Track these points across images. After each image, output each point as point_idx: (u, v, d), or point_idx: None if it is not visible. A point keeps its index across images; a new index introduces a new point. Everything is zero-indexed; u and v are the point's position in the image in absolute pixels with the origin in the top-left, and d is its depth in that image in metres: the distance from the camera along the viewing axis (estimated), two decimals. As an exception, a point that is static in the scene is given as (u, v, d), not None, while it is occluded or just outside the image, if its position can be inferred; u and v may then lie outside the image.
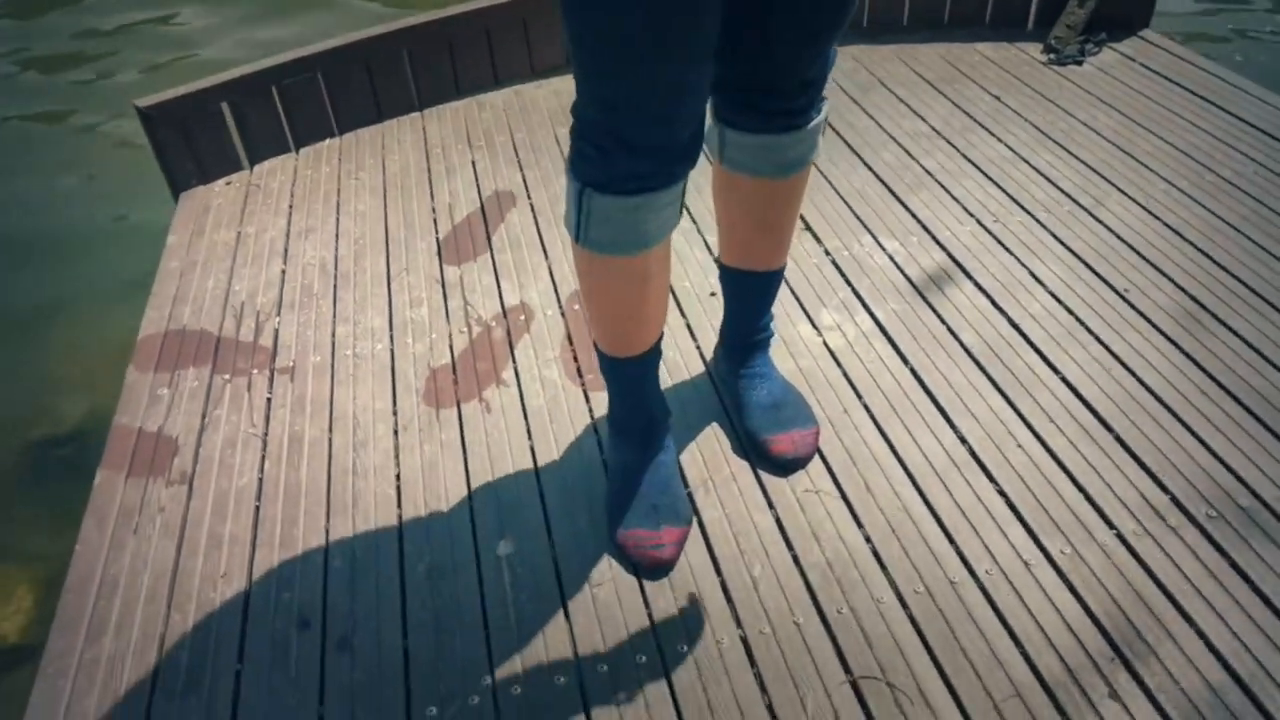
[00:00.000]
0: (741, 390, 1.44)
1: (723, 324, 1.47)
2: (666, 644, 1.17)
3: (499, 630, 1.20)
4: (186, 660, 1.20)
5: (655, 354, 1.26)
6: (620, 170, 1.02)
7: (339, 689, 1.15)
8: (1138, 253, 1.75)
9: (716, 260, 1.39)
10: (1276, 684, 1.07)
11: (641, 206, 1.05)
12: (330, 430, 1.51)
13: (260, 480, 1.44)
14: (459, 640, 1.19)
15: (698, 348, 1.62)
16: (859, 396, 1.50)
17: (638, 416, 1.31)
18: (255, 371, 1.65)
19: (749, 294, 1.39)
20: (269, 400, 1.58)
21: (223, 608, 1.26)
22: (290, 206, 2.10)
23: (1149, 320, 1.60)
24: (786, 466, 1.37)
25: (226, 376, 1.64)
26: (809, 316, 1.67)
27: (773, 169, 1.21)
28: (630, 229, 1.07)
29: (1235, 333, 1.56)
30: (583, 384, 1.56)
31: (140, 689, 1.17)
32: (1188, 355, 1.52)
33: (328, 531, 1.35)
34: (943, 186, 1.99)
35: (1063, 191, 1.94)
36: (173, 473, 1.46)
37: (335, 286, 1.84)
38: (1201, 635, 1.14)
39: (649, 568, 1.25)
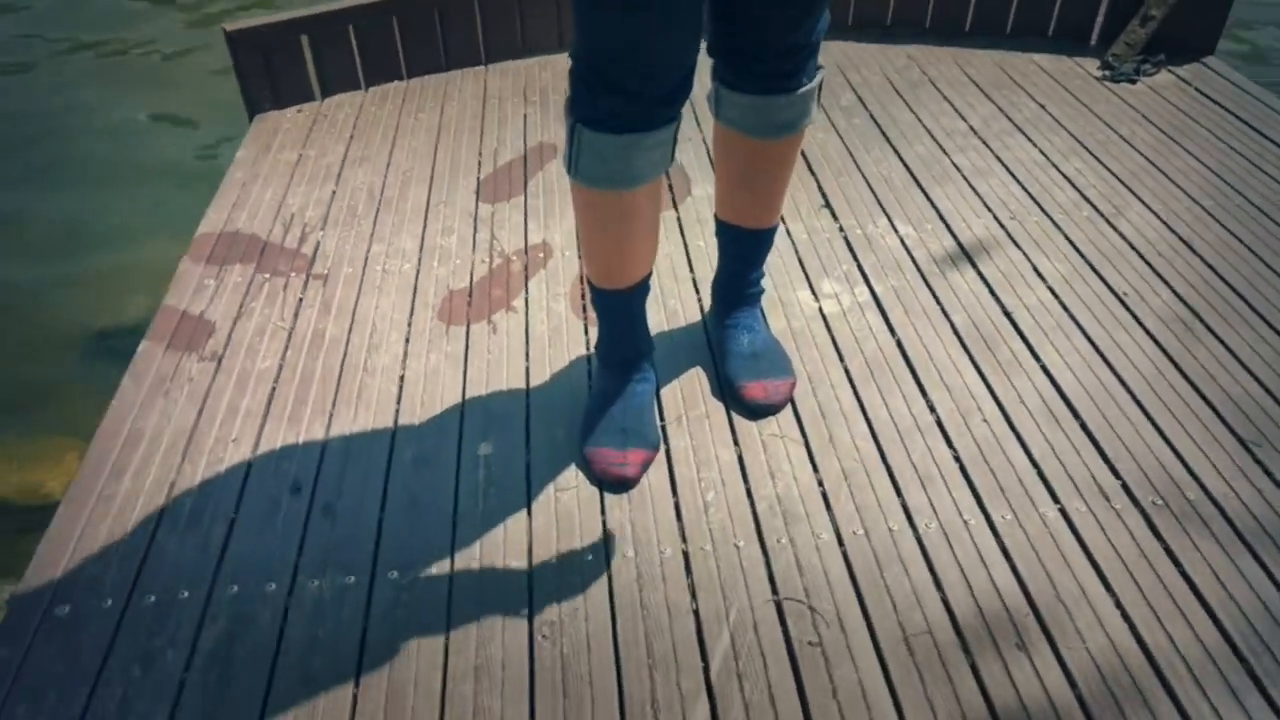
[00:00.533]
0: (726, 339, 1.52)
1: (715, 276, 1.55)
2: (614, 548, 1.27)
3: (466, 517, 1.32)
4: (190, 505, 1.34)
5: (641, 290, 1.35)
6: (607, 110, 1.11)
7: (317, 545, 1.28)
8: (1145, 260, 1.78)
9: (715, 215, 1.48)
10: (1185, 663, 1.12)
11: (629, 145, 1.14)
12: (350, 331, 1.65)
13: (280, 366, 1.58)
14: (429, 520, 1.31)
15: (699, 300, 1.71)
16: (841, 359, 1.57)
17: (621, 347, 1.41)
18: (293, 274, 1.79)
19: (739, 249, 1.47)
20: (300, 300, 1.73)
21: (229, 467, 1.40)
22: (351, 136, 2.25)
23: (1140, 323, 1.63)
24: (756, 411, 1.45)
25: (267, 276, 1.79)
26: (810, 283, 1.74)
27: (762, 129, 1.29)
28: (618, 166, 1.16)
29: (1224, 343, 1.58)
30: (585, 319, 1.66)
31: (147, 524, 1.31)
32: (1170, 358, 1.55)
33: (332, 416, 1.48)
34: (968, 182, 2.03)
35: (1085, 198, 1.97)
36: (205, 350, 1.62)
37: (378, 210, 1.98)
38: (1120, 608, 1.18)
39: (611, 483, 1.35)
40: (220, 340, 1.64)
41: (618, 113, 1.12)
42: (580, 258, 1.81)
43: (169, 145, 3.19)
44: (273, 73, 2.33)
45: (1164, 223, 1.89)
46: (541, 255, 1.83)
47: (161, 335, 1.65)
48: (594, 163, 1.16)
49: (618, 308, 1.37)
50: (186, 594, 1.22)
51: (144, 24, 4.08)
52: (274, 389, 1.53)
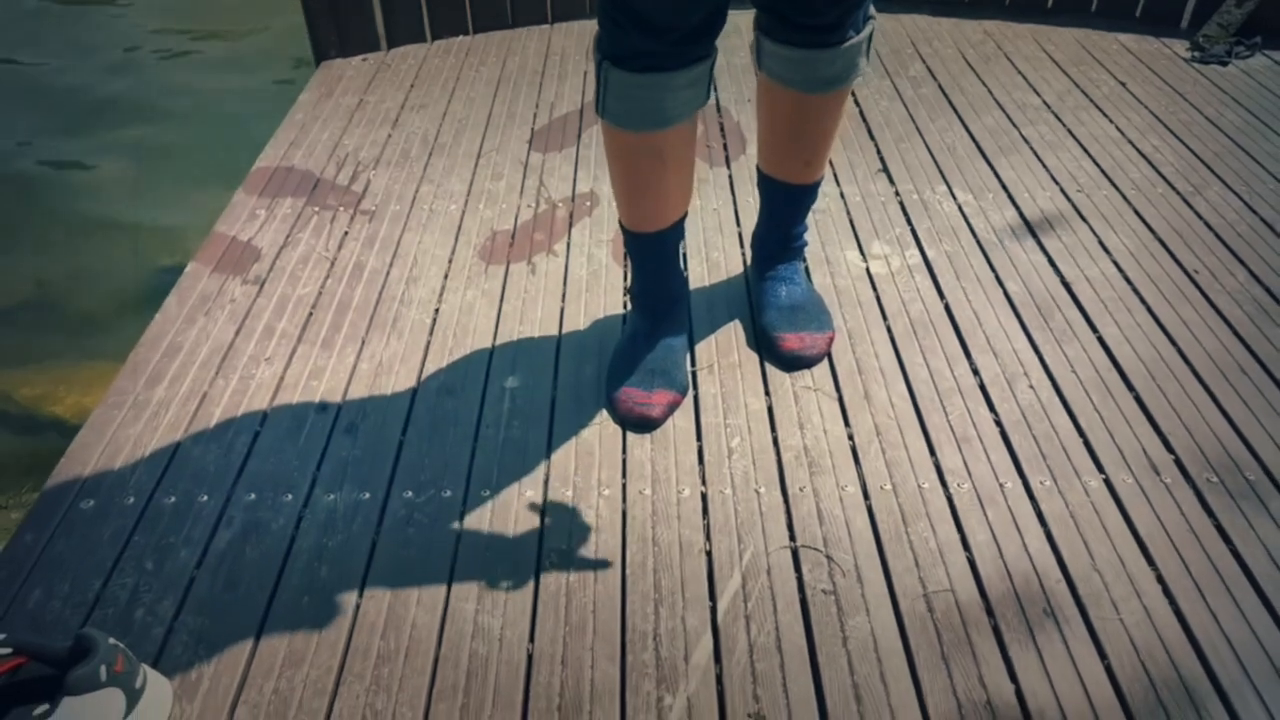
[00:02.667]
0: (765, 290, 1.48)
1: (755, 229, 1.51)
2: (631, 484, 1.24)
3: (486, 444, 1.30)
4: (218, 415, 1.36)
5: (674, 233, 1.32)
6: (633, 47, 1.08)
7: (336, 461, 1.28)
8: (1220, 239, 1.68)
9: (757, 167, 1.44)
10: (1229, 643, 1.04)
11: (655, 85, 1.10)
12: (390, 264, 1.65)
13: (319, 293, 1.59)
14: (449, 445, 1.30)
15: (743, 255, 1.67)
16: (884, 318, 1.51)
17: (654, 290, 1.38)
18: (341, 209, 1.81)
19: (780, 203, 1.43)
20: (346, 233, 1.74)
21: (259, 383, 1.41)
22: (411, 85, 2.27)
23: (1210, 301, 1.53)
24: (791, 363, 1.41)
25: (316, 209, 1.81)
26: (860, 243, 1.68)
27: (806, 83, 1.23)
28: (646, 105, 1.12)
29: (1301, 326, 1.48)
30: (625, 267, 1.64)
31: (174, 430, 1.33)
32: (1241, 339, 1.46)
33: (364, 342, 1.49)
34: (1035, 154, 1.95)
35: (1161, 175, 1.87)
36: (249, 274, 1.64)
37: (430, 154, 1.98)
38: (1162, 582, 1.11)
39: (636, 422, 1.32)
40: (265, 266, 1.66)
41: (646, 50, 1.08)
42: (626, 208, 1.79)
43: (234, 92, 3.26)
44: (340, 21, 2.36)
45: (1245, 203, 1.78)
46: (588, 204, 1.81)
47: (209, 258, 1.68)
48: (622, 103, 1.13)
49: (650, 250, 1.34)
50: (205, 498, 1.23)
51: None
52: (311, 314, 1.54)
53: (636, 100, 1.12)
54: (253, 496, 1.23)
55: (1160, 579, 1.11)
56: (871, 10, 1.20)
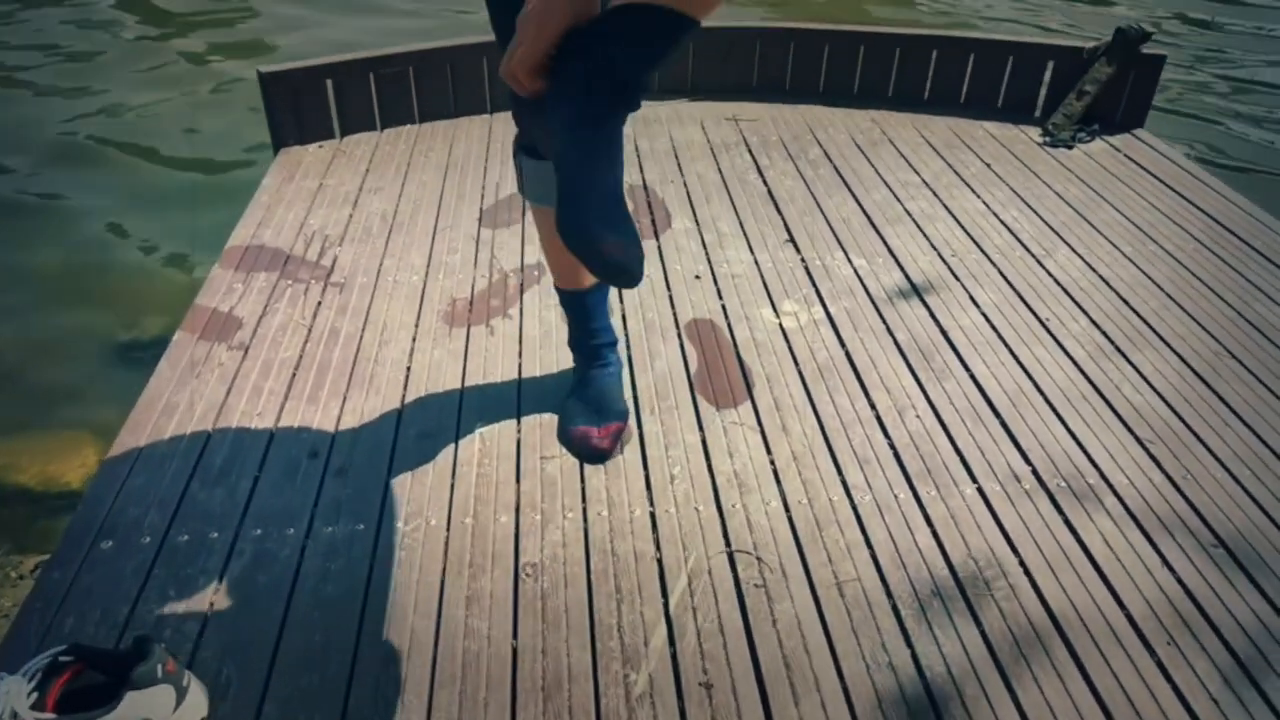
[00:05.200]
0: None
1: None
2: (590, 507, 1.46)
3: (463, 479, 1.51)
4: (219, 464, 1.53)
5: (596, 291, 1.55)
6: (537, 138, 1.30)
7: (331, 499, 1.46)
8: (1067, 293, 2.02)
9: None
10: (1076, 611, 1.31)
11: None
12: (363, 329, 1.86)
13: (301, 355, 1.78)
14: (430, 481, 1.50)
15: (673, 314, 1.93)
16: (796, 364, 1.78)
17: (585, 338, 1.61)
18: (313, 281, 2.01)
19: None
20: (319, 303, 1.94)
21: (253, 434, 1.59)
22: (367, 170, 2.50)
23: (1059, 343, 1.86)
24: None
25: (289, 282, 2.00)
26: (772, 303, 1.97)
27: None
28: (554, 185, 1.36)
29: (1130, 362, 1.81)
30: (573, 326, 1.88)
31: (180, 476, 1.50)
32: (1083, 372, 1.78)
33: (345, 397, 1.68)
34: (917, 224, 2.28)
35: (1019, 241, 2.22)
36: (234, 341, 1.82)
37: (390, 231, 2.20)
38: (1024, 566, 1.38)
39: (590, 454, 1.54)
40: (247, 333, 1.84)
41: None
42: (570, 276, 2.04)
43: (194, 175, 3.43)
44: (299, 111, 2.58)
45: (1087, 263, 2.13)
46: (536, 273, 2.05)
47: (194, 327, 1.85)
48: (536, 185, 1.37)
49: (578, 304, 1.57)
50: (216, 534, 1.40)
51: (178, 65, 4.37)
52: (294, 374, 1.73)
53: (547, 183, 1.35)
54: (259, 531, 1.41)
55: (1022, 563, 1.38)
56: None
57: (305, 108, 2.58)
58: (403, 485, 1.49)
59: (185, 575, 1.33)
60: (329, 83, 2.59)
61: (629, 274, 0.92)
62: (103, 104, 3.98)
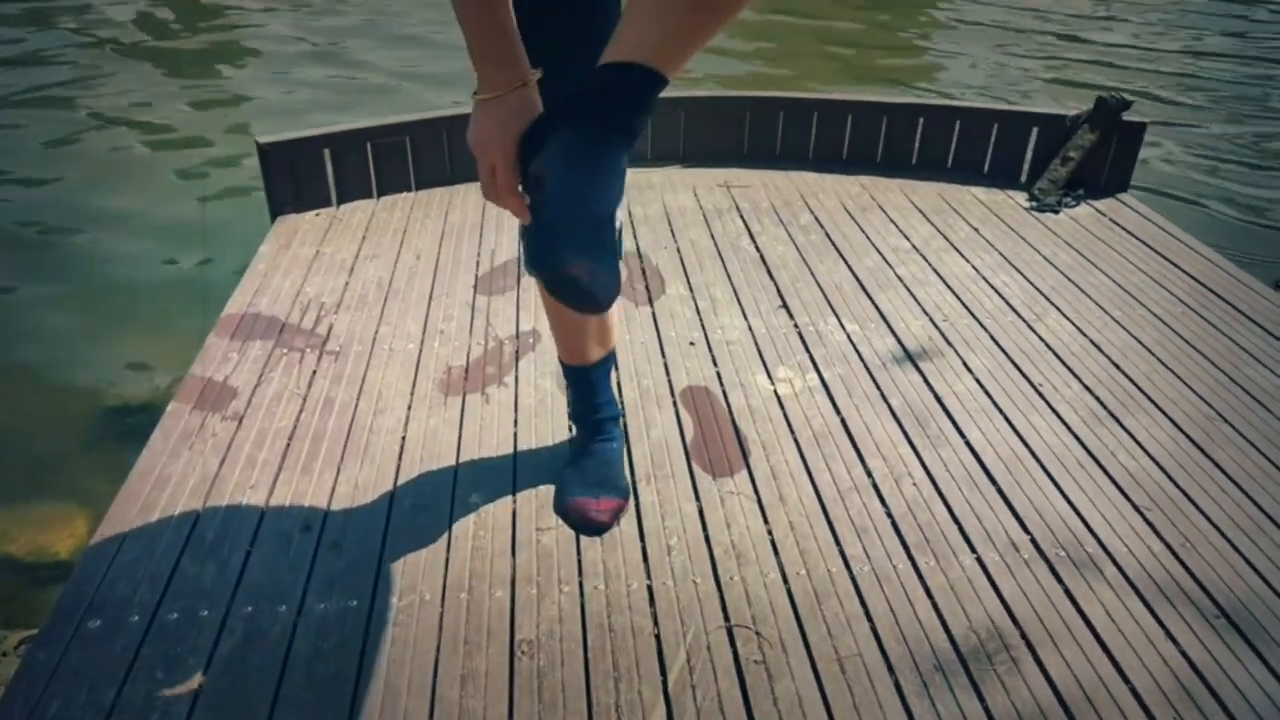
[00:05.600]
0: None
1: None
2: (587, 581, 1.44)
3: (457, 551, 1.49)
4: (211, 537, 1.51)
5: (601, 366, 1.56)
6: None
7: (324, 574, 1.45)
8: (1059, 357, 2.03)
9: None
10: (1079, 683, 1.29)
11: None
12: (358, 398, 1.85)
13: (295, 425, 1.77)
14: (424, 554, 1.48)
15: (668, 381, 1.93)
16: (791, 431, 1.78)
17: (590, 412, 1.61)
18: (308, 350, 2.01)
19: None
20: (314, 371, 1.94)
21: (247, 506, 1.57)
22: (364, 237, 2.52)
23: (1053, 409, 1.86)
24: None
25: (284, 351, 2.01)
26: (767, 369, 1.98)
27: None
28: None
29: (1124, 427, 1.81)
30: (567, 394, 1.88)
31: (171, 552, 1.48)
32: (1077, 438, 1.78)
33: (340, 468, 1.67)
34: (908, 289, 2.31)
35: (1010, 306, 2.24)
36: (228, 411, 1.81)
37: (386, 299, 2.22)
38: (1025, 638, 1.37)
39: (587, 527, 1.53)
40: (242, 403, 1.83)
41: None
42: (565, 343, 2.05)
43: (191, 242, 3.45)
44: (296, 180, 2.61)
45: (1077, 327, 2.16)
46: (531, 341, 2.06)
47: (188, 397, 1.85)
48: None
49: (583, 379, 1.58)
50: (206, 611, 1.38)
51: (177, 129, 4.43)
52: (289, 444, 1.72)
53: None
54: (250, 608, 1.38)
55: (1024, 635, 1.37)
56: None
57: (302, 177, 2.62)
58: (397, 559, 1.48)
59: (174, 654, 1.31)
60: (326, 152, 2.63)
61: (594, 301, 0.93)
62: (95, 167, 4.02)
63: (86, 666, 1.29)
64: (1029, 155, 2.94)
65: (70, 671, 1.28)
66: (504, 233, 2.56)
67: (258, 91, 5.00)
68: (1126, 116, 2.80)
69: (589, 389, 1.59)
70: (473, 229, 2.58)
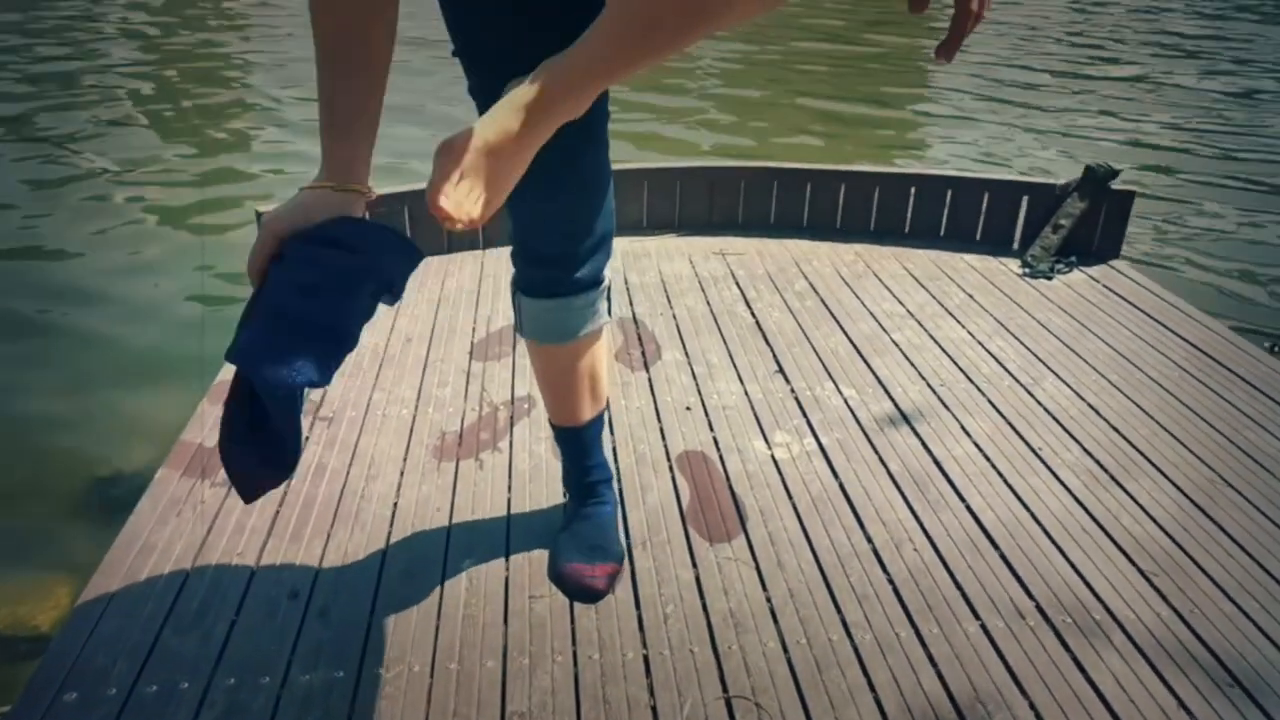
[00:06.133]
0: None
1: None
2: (581, 650, 1.40)
3: (447, 621, 1.45)
4: (195, 606, 1.47)
5: (593, 427, 1.54)
6: (534, 279, 1.35)
7: (310, 643, 1.40)
8: (1058, 422, 2.02)
9: None
10: (1091, 755, 1.25)
11: (556, 307, 1.35)
12: (350, 464, 1.83)
13: (285, 491, 1.75)
14: (414, 623, 1.44)
15: (664, 445, 1.91)
16: (790, 497, 1.76)
17: (580, 475, 1.59)
18: (301, 416, 1.99)
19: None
20: (307, 437, 1.92)
21: (233, 574, 1.54)
22: (360, 304, 2.52)
23: (1054, 473, 1.84)
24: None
25: (278, 416, 1.99)
26: (764, 434, 1.96)
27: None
28: (553, 324, 1.38)
29: (1126, 491, 1.79)
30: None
31: (153, 621, 1.44)
32: (1079, 502, 1.75)
33: (329, 535, 1.64)
34: (905, 355, 2.31)
35: (1006, 370, 2.24)
36: (217, 478, 1.78)
37: (381, 365, 2.21)
38: (1035, 710, 1.32)
39: (582, 593, 1.49)
40: (232, 469, 1.81)
41: (545, 281, 1.33)
42: (560, 408, 2.03)
43: (188, 309, 3.46)
44: (294, 249, 2.63)
45: (1075, 392, 2.15)
46: (527, 406, 2.05)
47: (178, 464, 1.83)
48: (534, 323, 1.39)
49: (573, 440, 1.56)
50: (186, 685, 1.33)
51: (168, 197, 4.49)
52: (278, 511, 1.69)
53: (543, 320, 1.38)
54: (232, 681, 1.34)
55: (1032, 706, 1.32)
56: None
57: (301, 245, 2.63)
58: (386, 628, 1.43)
59: (151, 730, 1.26)
60: (326, 221, 2.65)
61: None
62: (94, 233, 4.06)
63: (59, 742, 1.24)
64: (1020, 223, 2.98)
65: (42, 748, 1.23)
66: (500, 300, 2.57)
67: (261, 162, 5.08)
68: (1114, 185, 2.85)
69: (581, 450, 1.57)
70: (469, 297, 2.59)
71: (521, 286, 1.38)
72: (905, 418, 2.03)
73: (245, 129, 5.65)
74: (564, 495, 1.73)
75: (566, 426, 1.53)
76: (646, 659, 1.39)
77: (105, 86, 6.44)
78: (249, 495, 1.03)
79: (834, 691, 1.34)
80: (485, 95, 1.18)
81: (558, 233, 1.30)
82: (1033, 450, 1.92)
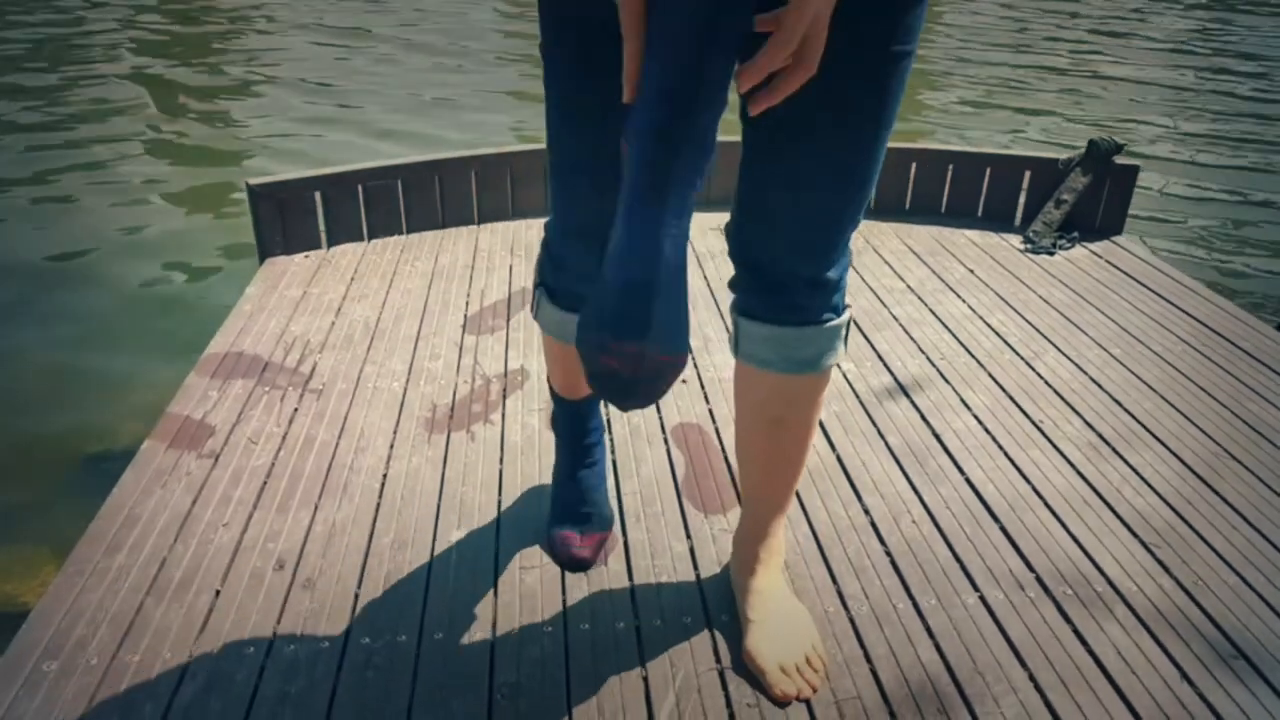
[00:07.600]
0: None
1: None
2: (572, 622, 1.37)
3: (436, 592, 1.42)
4: (178, 578, 1.44)
5: (594, 399, 1.50)
6: (561, 287, 1.27)
7: (295, 614, 1.37)
8: (1059, 394, 1.99)
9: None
10: (1092, 727, 1.22)
11: (571, 322, 1.27)
12: (339, 437, 1.80)
13: (273, 464, 1.71)
14: (402, 594, 1.42)
15: (660, 418, 1.88)
16: (786, 469, 1.72)
17: (580, 436, 1.55)
18: (290, 389, 1.96)
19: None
20: (295, 410, 1.89)
21: (218, 546, 1.51)
22: (352, 279, 2.49)
23: (1054, 445, 1.81)
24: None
25: (266, 389, 1.96)
26: (760, 407, 1.92)
27: (783, 363, 1.18)
28: (569, 332, 1.30)
29: (1128, 463, 1.76)
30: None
31: (136, 592, 1.41)
32: (1081, 475, 1.72)
33: (317, 507, 1.61)
34: (904, 329, 2.27)
35: (1007, 344, 2.21)
36: (204, 449, 1.75)
37: (372, 338, 2.18)
38: (1034, 680, 1.29)
39: (570, 562, 1.47)
40: (219, 441, 1.78)
41: (570, 292, 1.26)
42: (554, 382, 2.00)
43: (176, 284, 3.42)
44: (286, 223, 2.59)
45: (1076, 365, 2.11)
46: (520, 379, 2.02)
47: (164, 435, 1.79)
48: (549, 323, 1.34)
49: (571, 410, 1.50)
50: (169, 655, 1.30)
51: (163, 175, 4.45)
52: (265, 482, 1.66)
53: (562, 325, 1.31)
54: (215, 650, 1.31)
55: (1031, 678, 1.30)
56: (847, 299, 1.20)
57: (292, 219, 2.60)
58: (373, 599, 1.41)
59: (131, 700, 1.23)
60: (317, 195, 2.62)
61: (630, 400, 0.85)
62: (83, 208, 4.02)
63: (36, 714, 1.21)
64: (1022, 199, 2.94)
65: (18, 718, 1.20)
66: (494, 274, 2.53)
67: (254, 131, 5.03)
68: (1119, 160, 2.81)
69: (577, 418, 1.54)
70: (463, 271, 2.55)
71: (548, 289, 1.29)
72: (905, 391, 2.00)
73: (236, 106, 5.60)
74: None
75: (567, 399, 1.48)
76: (639, 630, 1.36)
77: (103, 58, 6.38)
78: (644, 384, 0.81)
79: (830, 662, 1.31)
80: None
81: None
82: (1034, 423, 1.89)
